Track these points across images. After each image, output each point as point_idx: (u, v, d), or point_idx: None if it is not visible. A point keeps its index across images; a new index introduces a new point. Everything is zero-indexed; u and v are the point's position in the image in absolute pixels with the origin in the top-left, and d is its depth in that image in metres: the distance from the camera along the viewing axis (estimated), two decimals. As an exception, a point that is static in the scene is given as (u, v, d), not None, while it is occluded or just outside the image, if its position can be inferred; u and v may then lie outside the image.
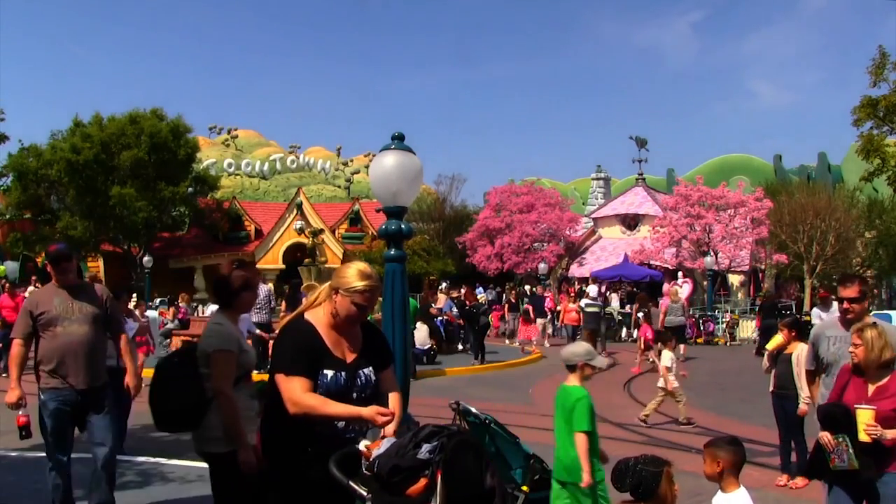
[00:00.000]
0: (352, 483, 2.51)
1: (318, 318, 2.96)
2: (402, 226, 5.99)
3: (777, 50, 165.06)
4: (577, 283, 29.76)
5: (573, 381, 4.20)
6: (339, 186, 51.22)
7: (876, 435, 3.57)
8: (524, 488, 3.55)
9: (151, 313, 14.24)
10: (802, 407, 6.23)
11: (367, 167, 35.72)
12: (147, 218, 29.35)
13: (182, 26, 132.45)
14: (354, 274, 2.90)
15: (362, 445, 2.64)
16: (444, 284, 25.88)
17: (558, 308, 21.46)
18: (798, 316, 19.26)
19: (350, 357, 2.95)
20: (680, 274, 27.43)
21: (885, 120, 25.64)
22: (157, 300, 26.38)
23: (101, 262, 32.21)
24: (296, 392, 2.76)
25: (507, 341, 20.19)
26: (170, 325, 19.65)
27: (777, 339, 6.73)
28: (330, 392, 2.82)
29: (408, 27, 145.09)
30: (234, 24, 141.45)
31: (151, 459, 6.72)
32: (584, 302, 17.08)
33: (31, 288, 20.18)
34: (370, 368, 2.97)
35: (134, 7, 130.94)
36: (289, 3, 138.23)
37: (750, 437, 7.53)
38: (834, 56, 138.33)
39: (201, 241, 35.03)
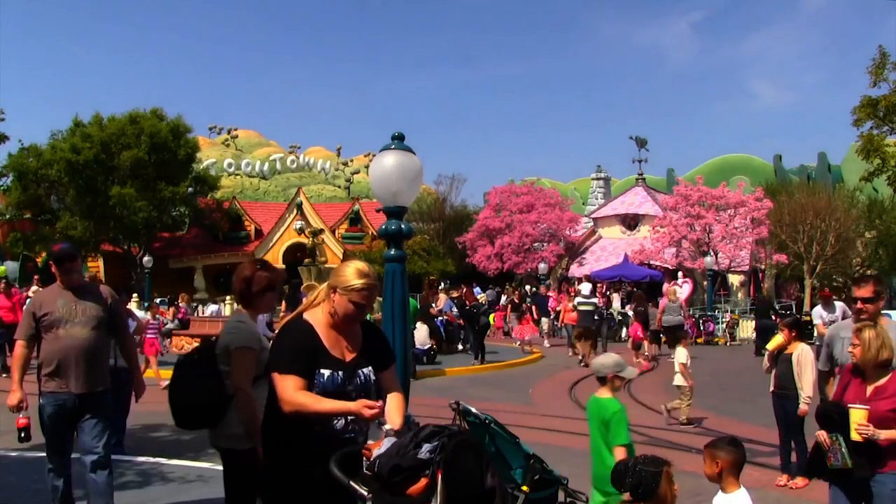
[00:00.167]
0: (352, 483, 2.50)
1: (317, 317, 2.97)
2: (402, 226, 6.00)
3: (777, 50, 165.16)
4: (577, 282, 29.76)
5: (605, 392, 4.24)
6: (339, 186, 51.21)
7: (867, 434, 3.59)
8: (524, 488, 3.54)
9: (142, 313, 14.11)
10: (802, 407, 6.23)
11: (367, 167, 35.74)
12: (147, 218, 29.35)
13: (182, 26, 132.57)
14: (352, 272, 2.91)
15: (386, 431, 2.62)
16: (442, 284, 25.89)
17: (559, 308, 21.47)
18: (798, 316, 19.28)
19: (349, 356, 2.95)
20: (680, 274, 27.44)
21: (885, 120, 25.65)
22: (157, 300, 26.37)
23: (101, 262, 32.21)
24: (288, 390, 2.77)
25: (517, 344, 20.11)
26: (170, 325, 19.68)
27: (777, 339, 6.73)
28: (327, 391, 2.82)
29: (408, 27, 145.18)
30: (234, 24, 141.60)
31: (151, 459, 6.71)
32: (577, 300, 17.06)
33: (34, 287, 20.20)
34: (370, 368, 2.97)
35: (134, 7, 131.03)
36: (289, 3, 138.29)
37: (750, 437, 7.54)
38: (834, 56, 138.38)
39: (201, 241, 35.05)
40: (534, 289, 30.00)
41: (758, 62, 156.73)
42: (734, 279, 30.35)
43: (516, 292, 27.59)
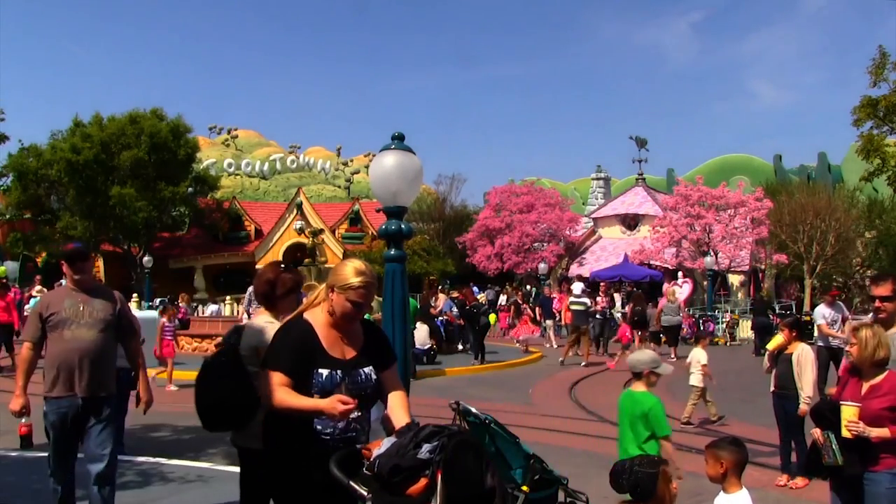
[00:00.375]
0: (352, 483, 2.50)
1: (317, 317, 2.97)
2: (402, 226, 6.00)
3: (777, 50, 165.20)
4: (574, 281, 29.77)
5: (640, 387, 4.29)
6: (339, 186, 51.21)
7: (857, 431, 3.63)
8: (524, 488, 3.54)
9: (150, 313, 14.16)
10: (803, 407, 6.23)
11: (367, 167, 35.74)
12: (147, 218, 29.36)
13: (182, 26, 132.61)
14: (349, 271, 2.91)
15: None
16: (441, 286, 25.90)
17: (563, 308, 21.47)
18: (798, 316, 19.27)
19: (349, 355, 2.95)
20: (680, 274, 27.44)
21: (885, 120, 25.64)
22: (157, 300, 26.39)
23: (101, 262, 32.22)
24: (270, 386, 2.79)
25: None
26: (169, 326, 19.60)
27: (778, 339, 6.73)
28: (326, 390, 2.81)
29: (408, 27, 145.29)
30: (234, 24, 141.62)
31: (151, 459, 6.70)
32: (569, 300, 17.11)
33: (37, 288, 20.17)
34: (370, 368, 2.97)
35: (134, 7, 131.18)
36: (289, 3, 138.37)
37: (750, 437, 7.53)
38: (834, 56, 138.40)
39: (201, 241, 35.05)
40: (533, 289, 30.01)
41: (758, 62, 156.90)
42: (734, 279, 30.34)
43: (519, 293, 27.57)
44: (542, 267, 29.61)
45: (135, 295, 25.21)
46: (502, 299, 27.34)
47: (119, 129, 29.57)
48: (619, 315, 22.84)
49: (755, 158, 50.47)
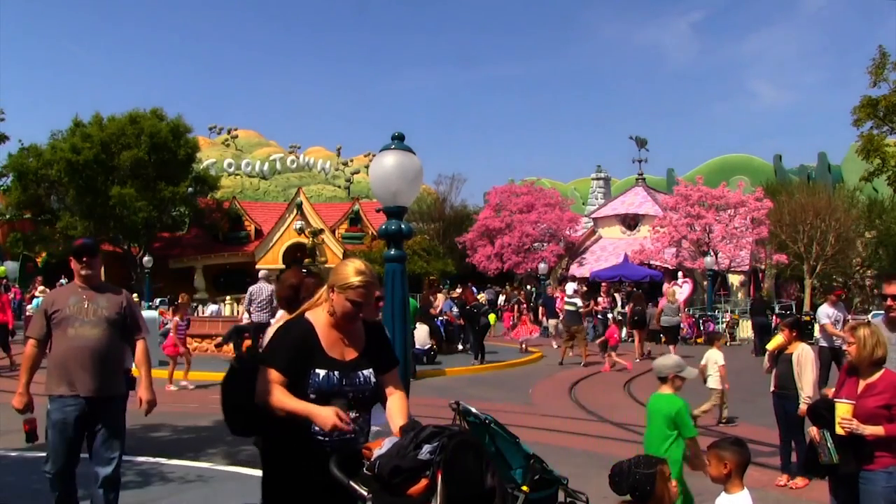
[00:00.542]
0: (352, 483, 2.50)
1: (318, 317, 2.96)
2: (402, 226, 5.99)
3: (777, 50, 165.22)
4: (578, 282, 29.76)
5: (666, 390, 4.43)
6: (339, 186, 51.23)
7: (850, 428, 3.66)
8: (524, 488, 3.53)
9: (150, 313, 14.22)
10: (803, 407, 6.22)
11: (367, 167, 35.74)
12: (147, 218, 29.36)
13: (182, 26, 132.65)
14: (349, 271, 2.91)
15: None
16: (442, 287, 25.90)
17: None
18: (798, 316, 19.26)
19: (349, 357, 2.93)
20: (680, 274, 27.43)
21: (885, 120, 25.64)
22: (157, 300, 26.39)
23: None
24: (263, 383, 2.79)
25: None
26: (169, 325, 19.63)
27: (778, 339, 6.73)
28: (322, 391, 2.81)
29: (408, 27, 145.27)
30: (234, 24, 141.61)
31: (151, 459, 6.70)
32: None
33: (40, 288, 20.19)
34: (370, 370, 2.96)
35: (134, 7, 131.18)
36: (289, 3, 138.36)
37: (750, 437, 7.50)
38: (834, 56, 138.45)
39: (201, 241, 35.05)
40: (534, 289, 30.00)
41: (758, 62, 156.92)
42: (734, 279, 30.33)
43: (521, 293, 27.55)
44: (542, 267, 29.59)
45: (135, 295, 25.18)
46: (501, 299, 27.33)
47: (119, 129, 29.57)
48: (612, 316, 22.84)
49: (755, 158, 50.49)
